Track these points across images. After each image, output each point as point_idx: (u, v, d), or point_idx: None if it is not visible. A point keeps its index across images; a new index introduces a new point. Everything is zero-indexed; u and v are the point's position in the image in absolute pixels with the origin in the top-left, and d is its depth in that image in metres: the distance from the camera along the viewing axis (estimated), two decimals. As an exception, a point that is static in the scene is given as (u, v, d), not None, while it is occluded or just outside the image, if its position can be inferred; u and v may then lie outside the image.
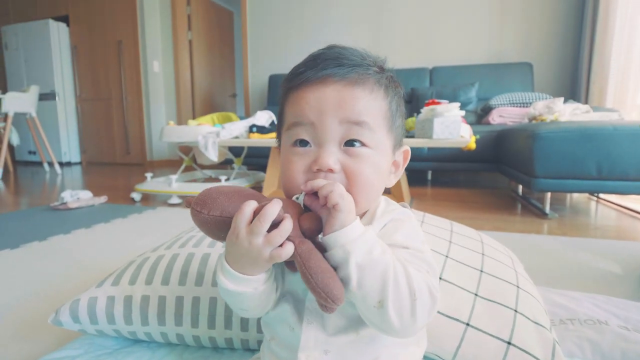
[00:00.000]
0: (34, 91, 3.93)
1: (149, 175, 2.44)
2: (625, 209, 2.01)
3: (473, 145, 1.91)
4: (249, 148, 2.95)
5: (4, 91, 4.05)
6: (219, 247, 0.74)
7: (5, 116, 3.76)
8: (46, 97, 4.68)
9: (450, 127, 1.88)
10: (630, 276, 1.07)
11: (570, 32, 3.33)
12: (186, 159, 2.68)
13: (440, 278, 0.61)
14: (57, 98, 4.74)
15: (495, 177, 3.35)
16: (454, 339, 0.54)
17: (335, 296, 0.33)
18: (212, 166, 3.47)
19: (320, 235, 0.38)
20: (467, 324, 0.55)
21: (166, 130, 2.40)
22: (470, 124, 2.68)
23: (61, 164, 4.55)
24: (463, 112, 1.97)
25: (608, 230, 1.64)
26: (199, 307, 0.64)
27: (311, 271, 0.34)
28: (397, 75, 0.46)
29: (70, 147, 4.96)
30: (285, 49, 4.22)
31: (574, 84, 3.33)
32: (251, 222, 0.35)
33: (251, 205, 0.36)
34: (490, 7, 3.51)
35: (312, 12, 4.08)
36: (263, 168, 2.71)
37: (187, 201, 0.39)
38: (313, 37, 4.07)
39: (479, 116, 3.17)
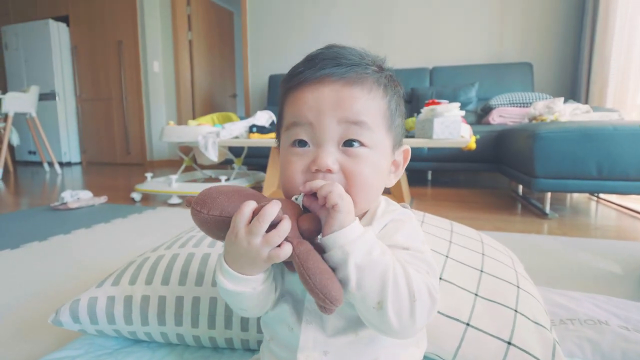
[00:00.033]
0: (34, 91, 3.93)
1: (149, 175, 2.44)
2: (626, 209, 2.01)
3: (473, 146, 1.91)
4: (249, 148, 2.95)
5: (4, 91, 4.05)
6: (219, 247, 0.74)
7: (6, 116, 3.76)
8: (46, 97, 4.68)
9: (451, 127, 1.88)
10: (630, 276, 1.07)
11: (570, 32, 3.33)
12: (186, 159, 2.68)
13: (440, 278, 0.61)
14: (57, 98, 4.75)
15: (495, 177, 3.35)
16: (454, 339, 0.54)
17: (334, 297, 0.33)
18: (212, 166, 3.47)
19: (319, 236, 0.38)
20: (467, 324, 0.55)
21: (166, 130, 2.40)
22: (471, 124, 2.68)
23: (61, 164, 4.55)
24: (463, 112, 1.97)
25: (608, 230, 1.64)
26: (199, 307, 0.64)
27: (309, 272, 0.34)
28: (397, 75, 0.46)
29: (70, 147, 4.96)
30: (285, 49, 4.22)
31: (574, 84, 3.33)
32: (250, 222, 0.35)
33: (250, 205, 0.36)
34: (491, 7, 3.51)
35: (312, 12, 4.08)
36: (263, 168, 2.71)
37: (188, 200, 0.39)
38: (313, 37, 4.07)
39: (479, 116, 3.17)
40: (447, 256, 0.68)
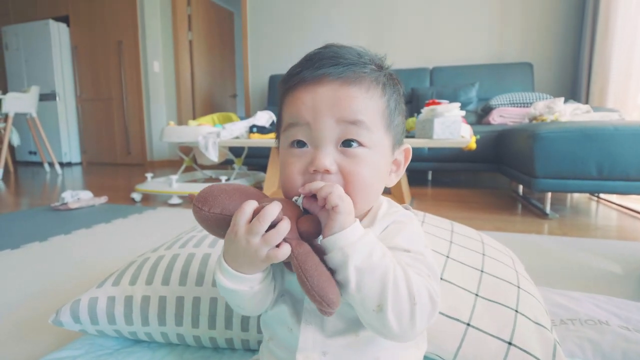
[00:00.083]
0: (34, 91, 3.94)
1: (149, 175, 2.44)
2: (626, 209, 2.01)
3: (473, 146, 1.91)
4: (250, 148, 2.95)
5: (5, 92, 4.05)
6: (220, 247, 0.74)
7: (6, 117, 3.77)
8: (46, 97, 4.69)
9: (451, 127, 1.88)
10: (630, 276, 1.07)
11: (570, 32, 3.33)
12: (186, 159, 2.68)
13: (440, 278, 0.61)
14: (57, 98, 4.75)
15: (495, 177, 3.35)
16: (454, 339, 0.54)
17: (331, 300, 0.33)
18: (213, 166, 3.47)
19: (320, 238, 0.38)
20: (468, 324, 0.55)
21: (166, 130, 2.40)
22: (471, 124, 2.68)
23: (62, 165, 4.55)
24: (463, 112, 1.97)
25: (609, 230, 1.64)
26: (199, 307, 0.64)
27: (307, 274, 0.34)
28: (397, 75, 0.46)
29: (70, 148, 4.96)
30: (286, 49, 4.22)
31: (575, 84, 3.33)
32: (251, 221, 0.36)
33: (252, 204, 0.36)
34: (491, 7, 3.51)
35: (312, 12, 4.08)
36: (263, 168, 2.71)
37: (191, 197, 0.39)
38: (313, 37, 4.07)
39: (480, 116, 3.17)
40: (447, 256, 0.68)
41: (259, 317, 0.62)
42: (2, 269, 1.19)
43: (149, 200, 2.38)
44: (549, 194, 1.89)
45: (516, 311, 0.58)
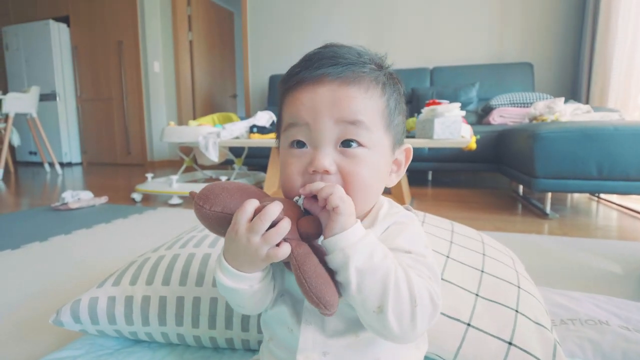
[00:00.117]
0: (34, 92, 3.94)
1: (149, 175, 2.44)
2: (626, 209, 2.01)
3: (474, 146, 1.91)
4: (250, 148, 2.95)
5: (5, 92, 4.06)
6: (220, 247, 0.74)
7: (6, 117, 3.77)
8: (47, 97, 4.69)
9: (451, 127, 1.88)
10: (631, 276, 1.07)
11: (570, 32, 3.33)
12: (187, 159, 2.69)
13: (441, 278, 0.61)
14: (57, 98, 4.75)
15: (495, 177, 3.35)
16: (454, 339, 0.54)
17: (328, 302, 0.33)
18: (213, 166, 3.47)
19: (321, 238, 0.38)
20: (468, 324, 0.55)
21: (167, 130, 2.40)
22: (471, 124, 2.68)
23: (62, 165, 4.55)
24: (464, 112, 1.97)
25: (609, 230, 1.64)
26: (199, 308, 0.64)
27: (305, 275, 0.34)
28: (398, 75, 0.46)
29: (71, 148, 4.96)
30: (286, 49, 4.22)
31: (575, 84, 3.33)
32: (252, 220, 0.36)
33: (253, 203, 0.36)
34: (491, 7, 3.51)
35: (312, 12, 4.08)
36: (264, 168, 2.71)
37: (192, 194, 0.39)
38: (313, 37, 4.07)
39: (480, 116, 3.17)
40: (447, 256, 0.68)
41: (259, 316, 0.62)
42: (2, 269, 1.19)
43: (149, 200, 2.38)
44: (549, 194, 1.89)
45: (516, 311, 0.58)
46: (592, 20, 3.03)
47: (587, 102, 3.05)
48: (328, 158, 0.39)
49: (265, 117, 2.51)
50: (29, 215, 1.95)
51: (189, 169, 2.99)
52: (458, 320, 0.56)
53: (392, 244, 0.39)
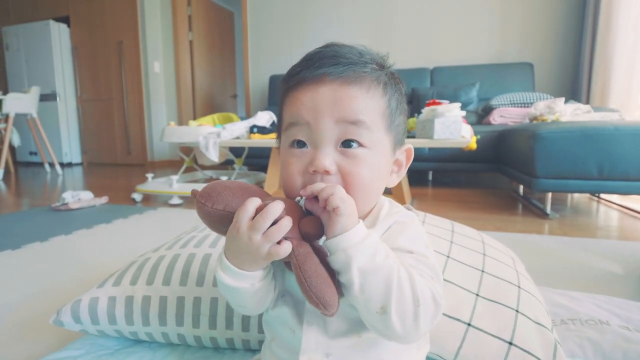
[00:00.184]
0: (34, 92, 3.94)
1: (149, 175, 2.44)
2: (627, 209, 2.01)
3: (474, 146, 1.91)
4: (250, 148, 2.95)
5: (5, 92, 4.06)
6: (220, 247, 0.74)
7: (6, 117, 3.77)
8: (47, 97, 4.69)
9: (451, 127, 1.88)
10: (631, 276, 1.07)
11: (571, 32, 3.33)
12: (187, 159, 2.69)
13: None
14: (58, 99, 4.75)
15: (496, 177, 3.35)
16: (455, 339, 0.54)
17: (328, 302, 0.33)
18: (213, 167, 3.47)
19: (323, 239, 0.38)
20: (469, 324, 0.55)
21: (167, 130, 2.40)
22: (471, 124, 2.68)
23: (62, 165, 4.55)
24: (464, 113, 1.97)
25: (609, 230, 1.64)
26: (200, 308, 0.64)
27: (306, 275, 0.34)
28: (398, 74, 0.46)
29: (71, 148, 4.97)
30: (286, 49, 4.22)
31: (575, 84, 3.33)
32: (253, 218, 0.36)
33: (255, 202, 0.36)
34: (491, 7, 3.51)
35: (312, 12, 4.08)
36: (264, 168, 2.71)
37: (194, 193, 0.39)
38: (314, 37, 4.07)
39: (480, 116, 3.17)
40: (448, 256, 0.68)
41: (259, 316, 0.62)
42: (3, 269, 1.19)
43: (150, 200, 2.38)
44: (550, 194, 1.89)
45: (517, 311, 0.58)
46: (592, 20, 3.03)
47: (587, 102, 3.05)
48: (328, 158, 0.39)
49: (265, 117, 2.51)
50: (30, 216, 1.95)
51: (189, 169, 2.99)
52: (458, 320, 0.56)
53: (394, 244, 0.39)
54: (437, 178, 3.37)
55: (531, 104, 2.83)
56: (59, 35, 4.73)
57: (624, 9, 2.75)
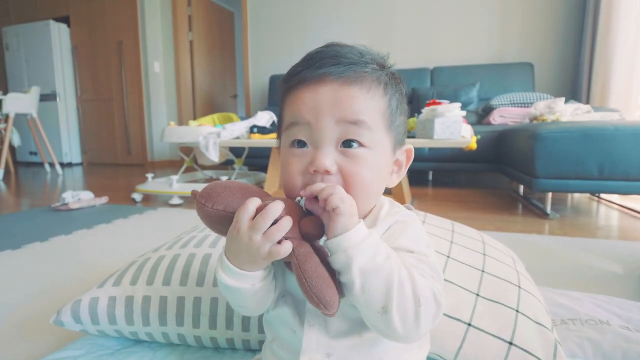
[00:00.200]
0: (34, 92, 3.94)
1: (150, 175, 2.44)
2: (627, 209, 2.00)
3: (474, 146, 1.90)
4: (250, 148, 2.95)
5: (5, 92, 4.06)
6: (220, 247, 0.74)
7: (6, 117, 3.77)
8: (47, 97, 4.69)
9: (451, 127, 1.88)
10: (631, 276, 1.07)
11: (571, 32, 3.33)
12: (187, 159, 2.69)
13: (441, 278, 0.61)
14: (58, 99, 4.75)
15: (496, 177, 3.35)
16: (455, 339, 0.54)
17: (328, 302, 0.33)
18: (213, 167, 3.47)
19: (324, 238, 0.38)
20: (469, 324, 0.55)
21: (167, 130, 2.40)
22: (471, 124, 2.68)
23: (62, 165, 4.55)
24: (464, 113, 1.97)
25: (609, 230, 1.64)
26: (200, 308, 0.64)
27: (306, 274, 0.34)
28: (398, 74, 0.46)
29: (71, 148, 4.97)
30: (286, 49, 4.22)
31: (575, 83, 3.33)
32: (253, 218, 0.36)
33: (255, 202, 0.36)
34: (491, 7, 3.51)
35: (312, 12, 4.08)
36: (264, 168, 2.71)
37: (194, 193, 0.39)
38: (314, 37, 4.07)
39: (480, 116, 3.17)
40: (448, 256, 0.68)
41: (260, 316, 0.62)
42: (3, 269, 1.19)
43: (150, 200, 2.38)
44: (550, 194, 1.89)
45: (517, 311, 0.58)
46: (592, 20, 3.03)
47: (587, 102, 3.05)
48: (329, 158, 0.39)
49: (265, 117, 2.51)
50: (30, 216, 1.95)
51: (189, 169, 2.99)
52: (459, 320, 0.56)
53: (395, 244, 0.39)
54: (437, 178, 3.37)
55: (531, 104, 2.83)
56: (59, 35, 4.73)
57: (624, 9, 2.75)
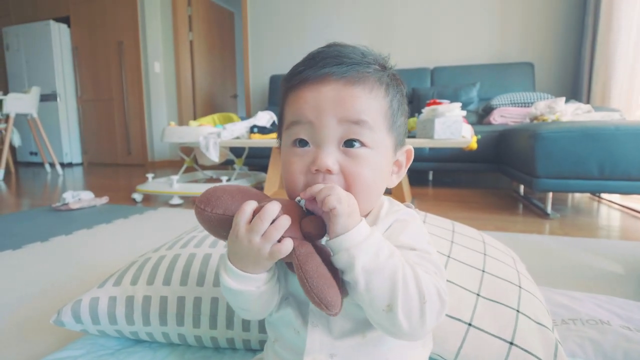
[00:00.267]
0: (35, 92, 3.94)
1: (150, 175, 2.44)
2: (628, 209, 2.00)
3: (474, 146, 1.90)
4: (250, 148, 2.95)
5: (6, 92, 4.06)
6: (221, 247, 0.74)
7: (7, 117, 3.77)
8: (47, 98, 4.69)
9: (452, 127, 1.88)
10: (632, 276, 1.07)
11: (571, 32, 3.32)
12: (187, 159, 2.69)
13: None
14: (58, 99, 4.76)
15: (496, 177, 3.35)
16: (456, 339, 0.54)
17: (329, 302, 0.33)
18: (213, 167, 3.47)
19: (326, 238, 0.37)
20: (469, 324, 0.55)
21: (167, 131, 2.40)
22: (472, 124, 2.68)
23: (62, 165, 4.56)
24: (464, 112, 1.97)
25: (610, 230, 1.64)
26: (200, 307, 0.64)
27: (307, 275, 0.34)
28: (399, 76, 0.46)
29: (71, 148, 4.97)
30: (286, 49, 4.22)
31: (576, 83, 3.33)
32: (251, 221, 0.36)
33: (251, 205, 0.36)
34: (491, 7, 3.51)
35: (313, 12, 4.08)
36: (264, 168, 2.71)
37: (194, 199, 0.39)
38: (314, 37, 4.07)
39: (480, 116, 3.16)
40: (448, 256, 0.68)
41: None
42: (3, 269, 1.19)
43: (150, 200, 2.38)
44: (550, 194, 1.88)
45: (517, 311, 0.58)
46: (592, 20, 3.03)
47: (588, 102, 3.04)
48: (331, 157, 0.39)
49: (265, 117, 2.51)
50: (30, 216, 1.95)
51: (189, 169, 2.99)
52: (459, 320, 0.56)
53: (396, 242, 0.39)
54: (437, 178, 3.37)
55: (532, 103, 2.83)
56: (59, 35, 4.74)
57: (625, 9, 2.74)
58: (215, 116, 2.88)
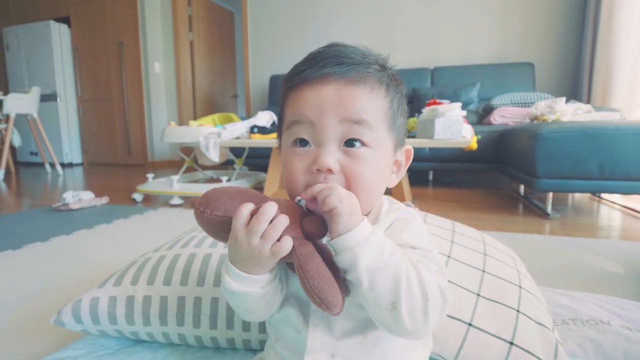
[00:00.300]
0: (35, 92, 3.94)
1: (150, 176, 2.44)
2: (628, 209, 2.00)
3: (474, 146, 1.90)
4: (250, 149, 2.95)
5: (6, 92, 4.06)
6: (221, 247, 0.74)
7: (7, 117, 3.77)
8: (47, 98, 4.69)
9: (452, 127, 1.88)
10: (632, 276, 1.07)
11: (571, 32, 3.32)
12: (187, 159, 2.69)
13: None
14: (58, 99, 4.76)
15: (496, 177, 3.35)
16: (456, 339, 0.54)
17: (330, 302, 0.33)
18: (214, 167, 3.47)
19: (327, 238, 0.37)
20: (469, 324, 0.55)
21: (167, 131, 2.40)
22: (472, 124, 2.68)
23: (63, 165, 4.56)
24: (464, 112, 1.97)
25: (610, 230, 1.64)
26: (200, 307, 0.64)
27: (307, 275, 0.34)
28: (399, 75, 0.46)
29: (71, 148, 4.97)
30: (286, 49, 4.22)
31: (576, 83, 3.33)
32: (249, 223, 0.35)
33: (248, 207, 0.36)
34: (492, 7, 3.51)
35: (313, 12, 4.08)
36: (264, 169, 2.71)
37: (192, 201, 0.39)
38: (314, 37, 4.07)
39: (481, 116, 3.16)
40: (449, 256, 0.68)
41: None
42: (3, 269, 1.19)
43: (150, 200, 2.38)
44: (550, 194, 1.88)
45: (518, 311, 0.58)
46: (593, 20, 3.03)
47: (588, 102, 3.04)
48: (332, 157, 0.39)
49: (265, 117, 2.51)
50: (30, 216, 1.96)
51: (189, 169, 2.99)
52: (459, 320, 0.56)
53: (398, 240, 0.39)
54: (437, 178, 3.37)
55: (532, 103, 2.83)
56: (60, 35, 4.74)
57: (626, 9, 2.74)
58: (216, 116, 2.88)
